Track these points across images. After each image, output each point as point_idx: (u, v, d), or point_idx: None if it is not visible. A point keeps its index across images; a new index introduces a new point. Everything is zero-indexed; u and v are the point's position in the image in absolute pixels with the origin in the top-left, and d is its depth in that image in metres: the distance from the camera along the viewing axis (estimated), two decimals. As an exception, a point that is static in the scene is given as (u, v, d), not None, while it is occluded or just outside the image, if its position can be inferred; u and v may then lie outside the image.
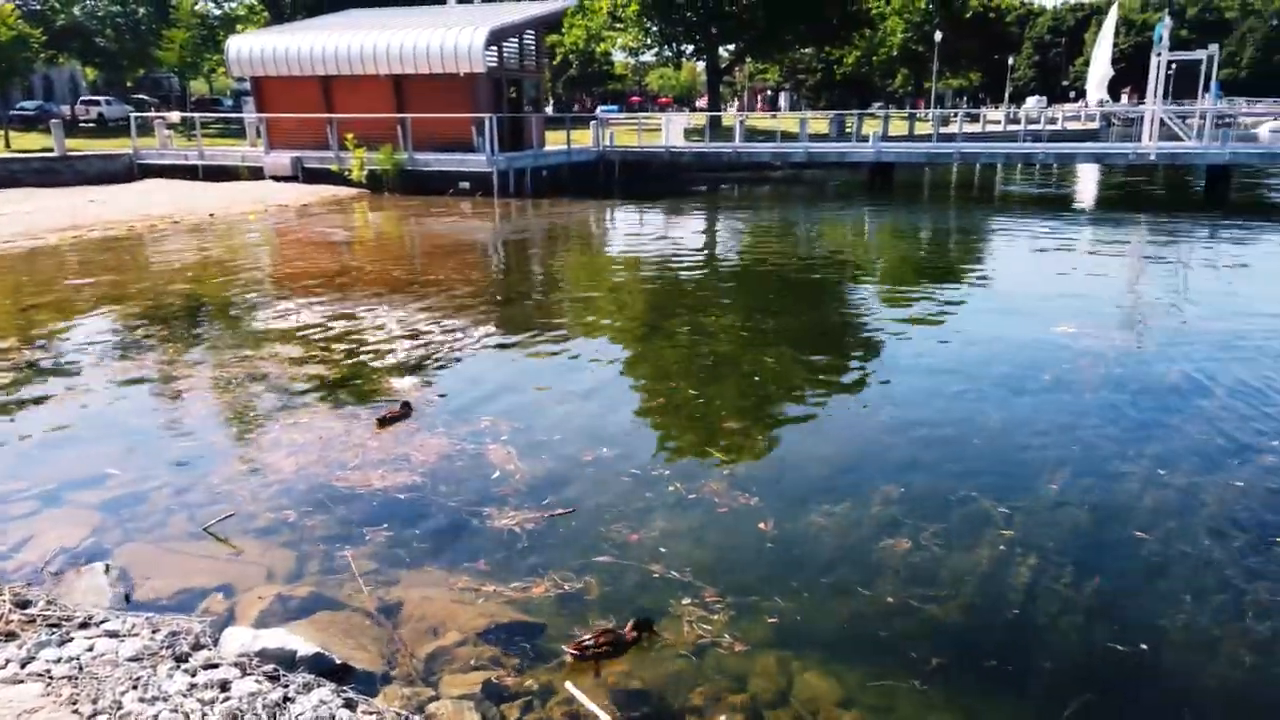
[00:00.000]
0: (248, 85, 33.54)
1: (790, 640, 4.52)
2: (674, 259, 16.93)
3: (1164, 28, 30.37)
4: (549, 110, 63.85)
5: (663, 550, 5.34)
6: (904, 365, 9.38)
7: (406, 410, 7.66)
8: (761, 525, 5.65)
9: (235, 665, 4.01)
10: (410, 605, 4.79)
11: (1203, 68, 31.53)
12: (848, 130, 41.14)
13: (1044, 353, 9.66)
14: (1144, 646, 4.43)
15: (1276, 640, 4.49)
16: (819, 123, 43.71)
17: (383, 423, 7.43)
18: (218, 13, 56.32)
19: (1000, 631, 4.60)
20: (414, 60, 27.99)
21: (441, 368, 9.23)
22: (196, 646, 4.21)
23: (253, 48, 30.17)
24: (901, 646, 4.46)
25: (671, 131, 34.58)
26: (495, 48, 28.42)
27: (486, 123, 26.45)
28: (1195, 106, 36.74)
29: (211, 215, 22.55)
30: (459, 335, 10.60)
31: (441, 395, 8.19)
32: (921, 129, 47.22)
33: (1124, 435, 7.16)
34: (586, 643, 4.38)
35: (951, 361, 9.42)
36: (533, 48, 31.78)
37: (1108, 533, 5.59)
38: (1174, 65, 31.86)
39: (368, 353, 9.71)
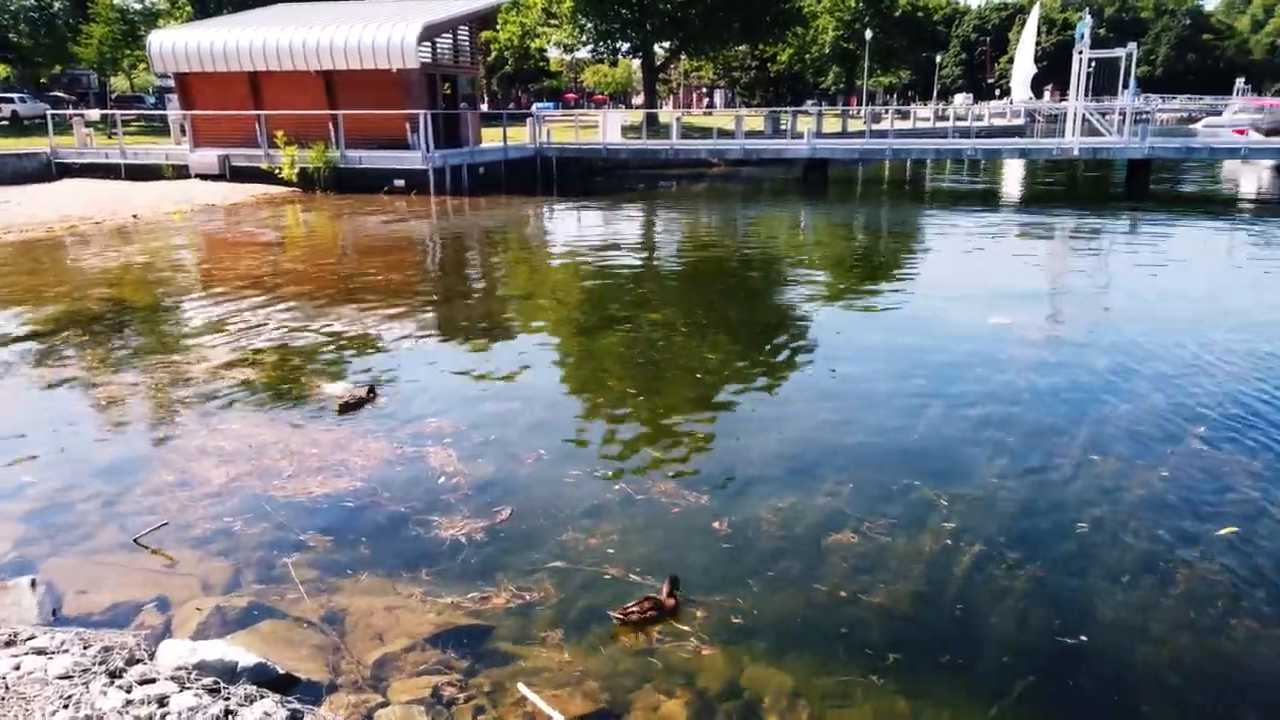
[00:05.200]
0: (171, 82, 32.51)
1: (746, 636, 4.53)
2: (614, 256, 16.90)
3: (1085, 26, 31.22)
4: (484, 107, 63.16)
5: (611, 552, 5.31)
6: (844, 359, 9.50)
7: (371, 396, 7.78)
8: (715, 524, 5.65)
9: (173, 679, 3.87)
10: (355, 613, 4.68)
11: (1121, 65, 32.55)
12: (782, 127, 41.56)
13: (979, 343, 9.88)
14: (1081, 628, 4.55)
15: (1202, 622, 4.64)
16: (754, 120, 44.07)
17: (344, 408, 7.46)
18: (138, 7, 54.52)
19: (946, 619, 4.68)
20: (345, 56, 27.43)
21: (378, 370, 9.05)
22: (131, 661, 4.05)
23: (176, 43, 29.24)
24: (853, 637, 4.51)
25: (609, 128, 34.45)
26: (428, 43, 28.02)
27: (421, 119, 26.07)
28: (1115, 103, 38.00)
29: (135, 216, 21.81)
30: (396, 336, 10.42)
31: (380, 398, 8.03)
32: (854, 126, 47.95)
33: (1056, 422, 7.36)
34: (631, 609, 4.57)
35: (890, 354, 9.58)
36: (466, 44, 31.43)
37: (1044, 519, 5.73)
38: (1094, 63, 32.86)
39: (300, 356, 9.48)
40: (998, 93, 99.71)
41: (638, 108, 61.97)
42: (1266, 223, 21.45)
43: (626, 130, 38.97)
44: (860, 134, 38.76)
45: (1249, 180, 32.77)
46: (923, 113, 60.92)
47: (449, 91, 30.18)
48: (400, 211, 23.64)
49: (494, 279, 15.41)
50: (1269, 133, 40.56)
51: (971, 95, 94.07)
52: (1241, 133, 40.76)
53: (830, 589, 4.93)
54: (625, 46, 52.37)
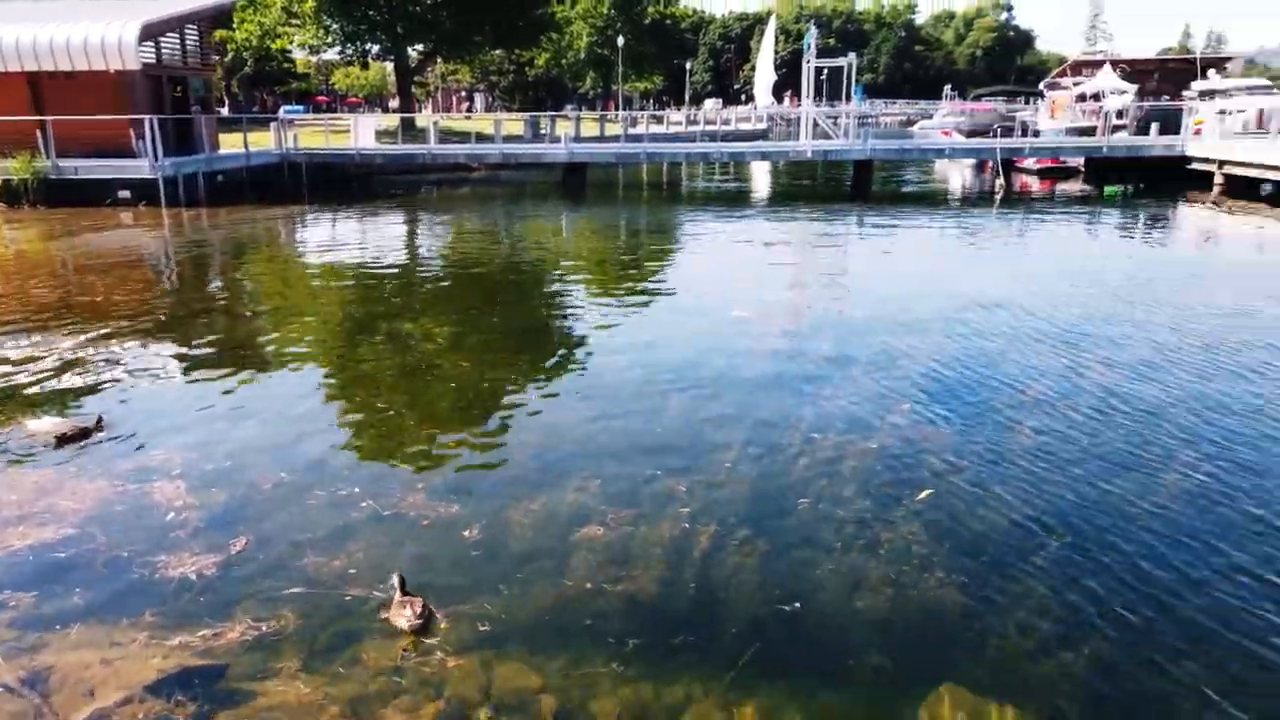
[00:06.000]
0: None
1: (495, 641, 4.58)
2: (370, 265, 16.37)
3: (811, 37, 33.94)
4: (224, 111, 58.91)
5: (354, 572, 5.18)
6: (598, 358, 9.77)
7: (99, 427, 7.18)
8: (465, 533, 5.65)
9: None
10: (62, 670, 4.29)
11: (844, 73, 35.55)
12: (542, 131, 41.88)
13: (722, 337, 10.48)
14: (799, 595, 4.98)
15: (902, 579, 5.20)
16: (514, 124, 44.13)
17: (63, 442, 6.89)
18: None
19: (683, 600, 4.96)
20: (53, 56, 24.71)
21: (96, 401, 8.26)
22: None
23: None
24: (598, 629, 4.68)
25: (362, 133, 33.25)
26: (151, 42, 25.83)
27: (147, 125, 23.97)
28: (843, 108, 41.37)
29: None
30: (118, 363, 9.56)
31: (97, 431, 7.35)
32: (611, 130, 49.15)
33: (786, 406, 7.96)
34: (422, 613, 4.64)
35: (641, 351, 9.95)
36: (197, 43, 29.25)
37: (771, 497, 6.20)
38: (823, 71, 35.67)
39: None
40: (744, 98, 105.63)
41: (395, 111, 60.25)
42: (967, 216, 24.22)
43: (381, 135, 37.79)
44: (617, 138, 39.80)
45: (955, 177, 36.78)
46: (675, 117, 63.42)
47: (180, 94, 28.01)
48: (126, 225, 21.65)
49: (236, 295, 14.47)
50: (970, 134, 45.73)
51: (720, 100, 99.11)
52: (947, 134, 45.70)
53: (577, 584, 5.08)
54: (375, 49, 50.68)
